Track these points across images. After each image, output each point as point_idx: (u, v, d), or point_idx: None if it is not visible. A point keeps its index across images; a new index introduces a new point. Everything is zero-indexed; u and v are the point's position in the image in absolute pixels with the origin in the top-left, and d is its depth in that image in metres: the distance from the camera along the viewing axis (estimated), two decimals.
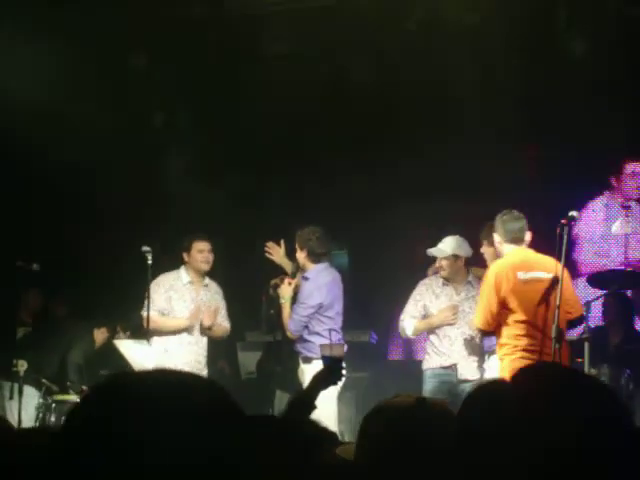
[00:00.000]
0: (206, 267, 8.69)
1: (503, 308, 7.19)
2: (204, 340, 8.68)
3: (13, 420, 8.78)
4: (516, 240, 7.39)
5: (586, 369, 8.17)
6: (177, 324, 8.51)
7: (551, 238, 7.13)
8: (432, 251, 8.27)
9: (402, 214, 9.56)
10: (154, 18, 9.89)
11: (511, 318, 7.20)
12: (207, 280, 8.82)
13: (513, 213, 7.46)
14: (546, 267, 7.28)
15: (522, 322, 7.16)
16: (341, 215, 9.85)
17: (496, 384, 1.94)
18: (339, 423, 8.08)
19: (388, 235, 9.92)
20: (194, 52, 10.12)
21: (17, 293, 9.47)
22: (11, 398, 8.88)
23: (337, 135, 10.05)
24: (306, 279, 8.38)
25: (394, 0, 9.27)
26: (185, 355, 8.51)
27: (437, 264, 8.35)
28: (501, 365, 7.26)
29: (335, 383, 4.66)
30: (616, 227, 9.26)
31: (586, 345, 8.24)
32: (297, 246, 8.45)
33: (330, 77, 9.94)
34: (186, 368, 8.16)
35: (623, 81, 9.18)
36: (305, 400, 4.18)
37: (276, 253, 8.61)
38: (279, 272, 8.68)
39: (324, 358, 5.21)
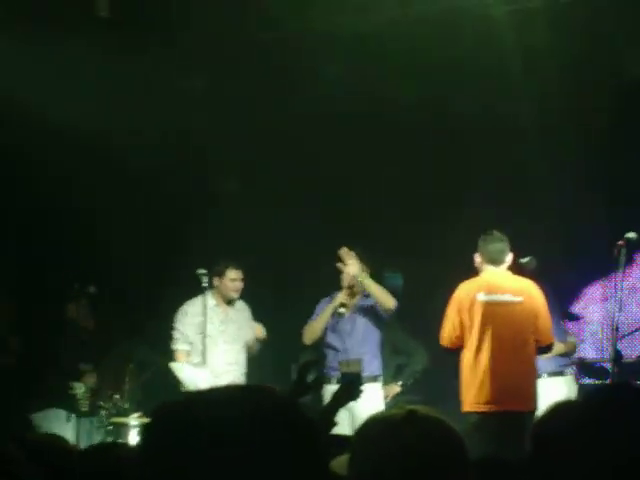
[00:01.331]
0: (236, 296, 8.71)
1: (463, 327, 7.37)
2: (243, 359, 8.70)
3: None
4: (494, 261, 7.52)
5: None
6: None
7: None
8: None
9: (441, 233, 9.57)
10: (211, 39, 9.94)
11: (470, 337, 7.36)
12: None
13: (494, 234, 7.58)
14: (517, 291, 7.42)
15: (478, 341, 7.32)
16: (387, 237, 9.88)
17: (569, 404, 1.92)
18: None
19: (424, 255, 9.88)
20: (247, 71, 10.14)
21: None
22: (68, 421, 8.92)
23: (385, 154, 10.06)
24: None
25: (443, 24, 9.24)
26: (226, 375, 8.47)
27: None
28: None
29: (354, 399, 4.69)
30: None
31: None
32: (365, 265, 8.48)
33: (380, 100, 9.91)
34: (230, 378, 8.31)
35: None
36: (325, 419, 4.19)
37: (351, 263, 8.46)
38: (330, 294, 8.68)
39: (343, 375, 5.23)
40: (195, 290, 8.63)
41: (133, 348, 9.65)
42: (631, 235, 7.43)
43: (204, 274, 8.50)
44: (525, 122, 9.46)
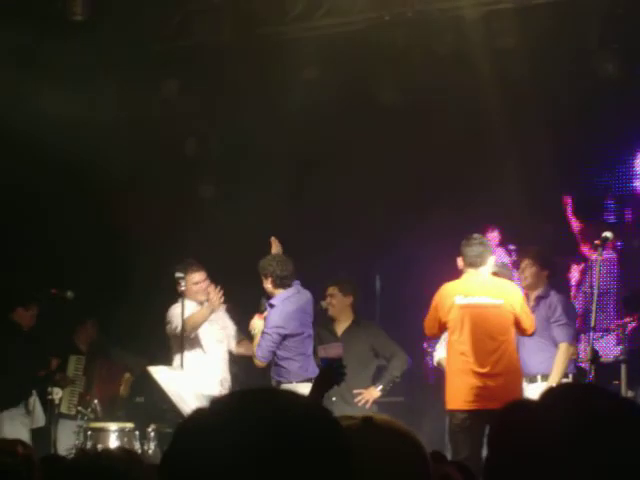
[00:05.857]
0: (203, 298, 8.51)
1: (441, 325, 7.62)
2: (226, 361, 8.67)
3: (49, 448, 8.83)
4: (473, 264, 7.65)
5: (623, 391, 8.12)
6: (203, 313, 8.38)
7: None
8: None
9: (430, 235, 9.59)
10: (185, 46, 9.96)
11: (451, 337, 7.61)
12: None
13: (472, 238, 7.71)
14: (495, 293, 7.58)
15: (457, 342, 7.55)
16: (369, 240, 9.88)
17: (525, 405, 1.87)
18: None
19: (416, 257, 9.87)
20: (226, 79, 10.13)
21: (71, 322, 9.58)
22: (49, 425, 8.94)
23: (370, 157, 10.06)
24: (272, 306, 8.28)
25: (423, 26, 9.24)
26: (221, 362, 8.53)
27: None
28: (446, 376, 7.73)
29: (338, 383, 4.68)
30: None
31: (623, 367, 8.21)
32: (262, 277, 8.28)
33: (359, 102, 9.93)
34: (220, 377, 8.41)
35: None
36: None
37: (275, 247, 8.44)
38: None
39: (322, 360, 5.21)
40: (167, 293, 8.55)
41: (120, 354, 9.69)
42: (608, 234, 7.47)
43: (182, 277, 8.37)
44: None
